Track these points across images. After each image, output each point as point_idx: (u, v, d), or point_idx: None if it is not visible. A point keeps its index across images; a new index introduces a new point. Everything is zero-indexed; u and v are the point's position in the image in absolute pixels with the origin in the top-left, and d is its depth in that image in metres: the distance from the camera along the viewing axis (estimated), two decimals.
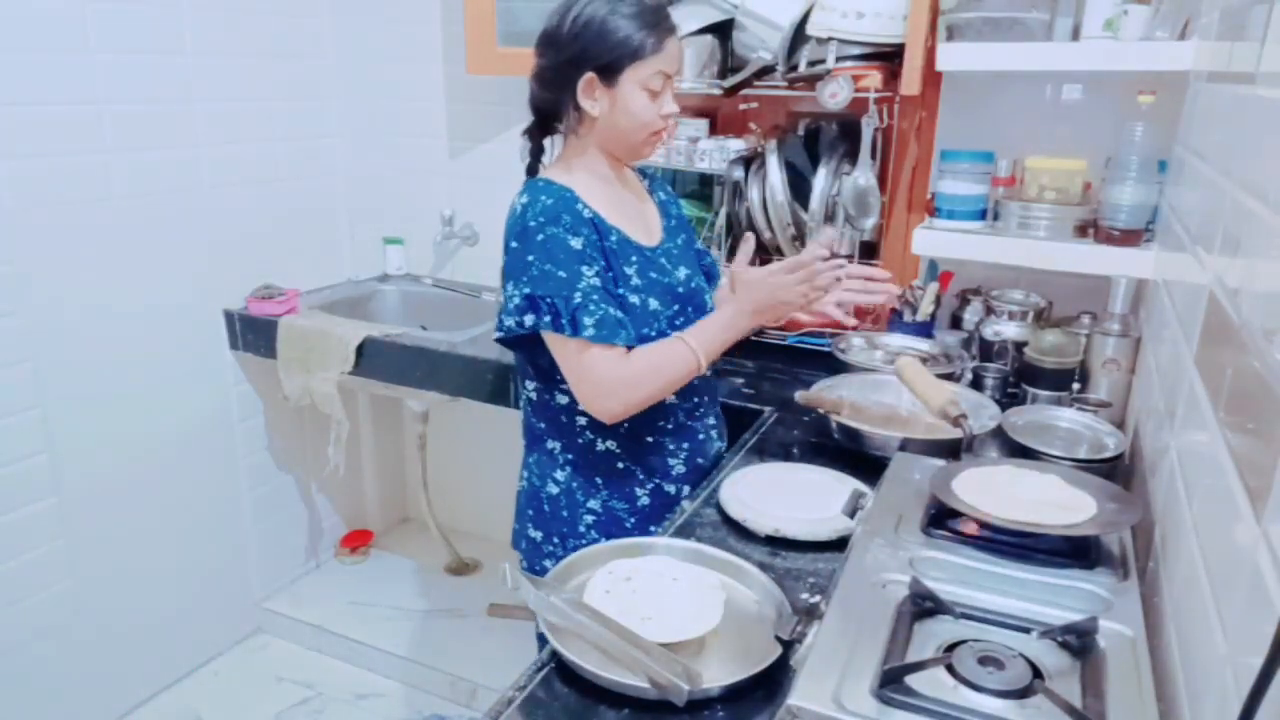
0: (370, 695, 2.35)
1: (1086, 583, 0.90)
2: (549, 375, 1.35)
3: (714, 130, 2.10)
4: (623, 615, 0.93)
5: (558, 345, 1.26)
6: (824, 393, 1.54)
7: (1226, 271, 0.88)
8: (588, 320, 1.21)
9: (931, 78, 1.74)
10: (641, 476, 1.39)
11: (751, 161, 1.97)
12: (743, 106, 2.02)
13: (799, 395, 1.53)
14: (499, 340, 1.31)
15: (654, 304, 1.32)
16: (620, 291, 1.29)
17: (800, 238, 1.95)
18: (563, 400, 1.37)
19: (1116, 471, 1.32)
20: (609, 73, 1.25)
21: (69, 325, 1.97)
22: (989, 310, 1.78)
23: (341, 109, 2.56)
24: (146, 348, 2.15)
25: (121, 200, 2.03)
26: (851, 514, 1.12)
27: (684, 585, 0.99)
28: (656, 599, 0.97)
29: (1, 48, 1.76)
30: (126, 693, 2.24)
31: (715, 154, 1.98)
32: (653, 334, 1.31)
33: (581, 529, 1.40)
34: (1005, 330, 1.73)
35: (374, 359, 2.16)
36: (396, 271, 2.67)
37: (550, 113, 1.35)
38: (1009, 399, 1.65)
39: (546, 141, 1.40)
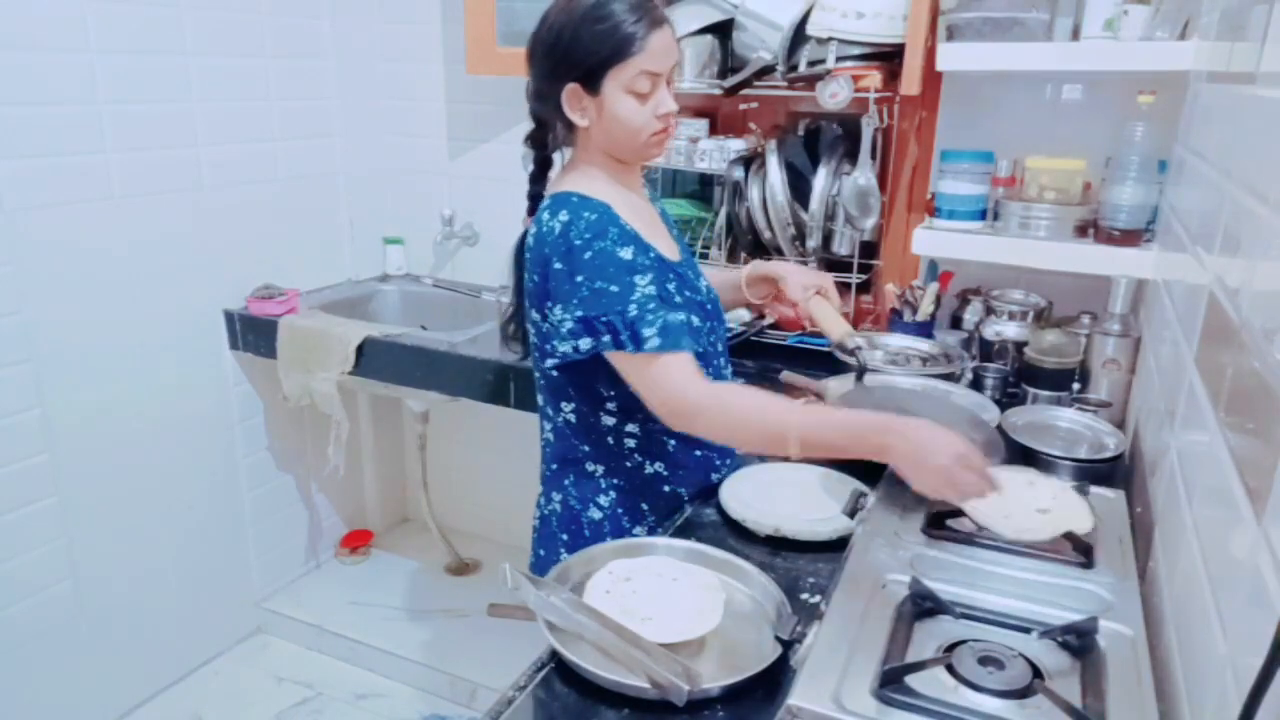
0: (370, 695, 2.35)
1: (1086, 583, 0.90)
2: (598, 397, 1.30)
3: (714, 130, 2.10)
4: (623, 616, 0.93)
5: (623, 362, 1.18)
6: (810, 380, 1.56)
7: (1226, 271, 0.88)
8: (648, 331, 1.14)
9: (931, 78, 1.74)
10: (686, 496, 1.36)
11: (751, 161, 1.97)
12: (743, 106, 2.02)
13: (784, 375, 1.55)
14: (556, 368, 1.25)
15: (695, 320, 1.28)
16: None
17: (800, 238, 1.95)
18: (609, 421, 1.32)
19: (1117, 471, 1.32)
20: (590, 80, 1.19)
21: (69, 325, 1.96)
22: (989, 310, 1.78)
23: (341, 109, 2.56)
24: (146, 348, 2.15)
25: (121, 200, 2.03)
26: (851, 514, 1.12)
27: (684, 585, 1.00)
28: (656, 599, 0.97)
29: (1, 48, 1.76)
30: (126, 693, 2.24)
31: (715, 154, 1.99)
32: (701, 351, 1.29)
33: None
34: (1005, 330, 1.73)
35: (374, 359, 2.16)
36: (396, 271, 2.67)
37: (548, 125, 1.29)
38: (1009, 399, 1.65)
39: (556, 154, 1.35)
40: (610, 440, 1.33)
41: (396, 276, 2.67)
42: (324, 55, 2.49)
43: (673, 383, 1.16)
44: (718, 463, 1.39)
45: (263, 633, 2.58)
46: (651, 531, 1.34)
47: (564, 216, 1.19)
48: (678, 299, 1.26)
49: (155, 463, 2.21)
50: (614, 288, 1.15)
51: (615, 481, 1.35)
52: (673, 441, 1.34)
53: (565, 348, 1.19)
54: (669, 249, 1.33)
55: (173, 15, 2.07)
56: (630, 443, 1.33)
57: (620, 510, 1.35)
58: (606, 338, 1.16)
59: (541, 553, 1.42)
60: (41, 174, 1.86)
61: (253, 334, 2.31)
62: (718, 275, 1.57)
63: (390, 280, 2.67)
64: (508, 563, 0.98)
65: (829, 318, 1.45)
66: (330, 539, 2.82)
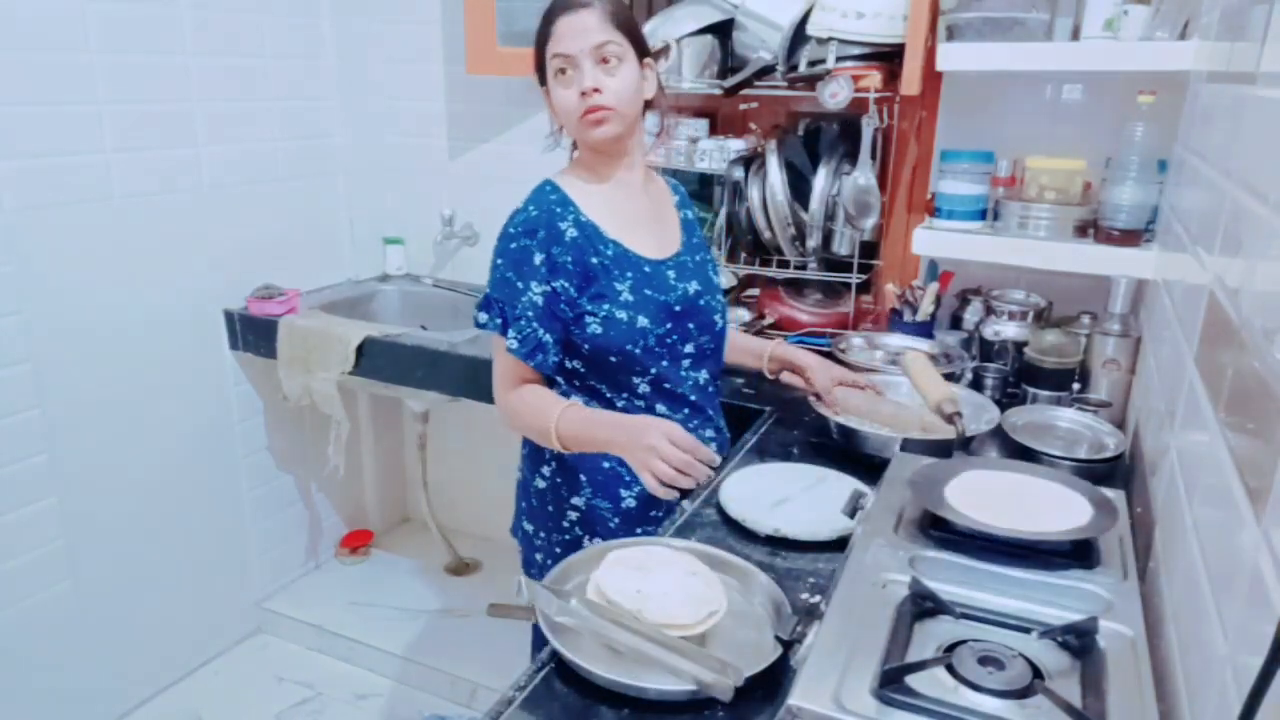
0: (370, 695, 2.35)
1: (1086, 583, 0.90)
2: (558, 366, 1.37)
3: (714, 130, 2.10)
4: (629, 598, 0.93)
5: (495, 344, 1.33)
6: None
7: (1226, 271, 0.88)
8: (514, 333, 1.28)
9: (931, 78, 1.74)
10: (628, 478, 1.37)
11: (751, 161, 1.97)
12: (743, 106, 2.02)
13: (784, 375, 1.55)
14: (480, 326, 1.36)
15: (642, 320, 1.31)
16: (606, 307, 1.29)
17: (800, 238, 1.95)
18: (557, 391, 1.38)
19: (1117, 471, 1.32)
20: (541, 73, 1.30)
21: (69, 325, 1.97)
22: (989, 310, 1.78)
23: (341, 109, 2.56)
24: (146, 348, 2.15)
25: (121, 200, 2.03)
26: (851, 514, 1.12)
27: (676, 573, 0.99)
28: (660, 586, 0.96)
29: (1, 47, 1.76)
30: (126, 693, 2.24)
31: (715, 154, 1.99)
32: (637, 350, 1.31)
33: (565, 524, 1.41)
34: (1005, 330, 1.73)
35: (374, 359, 2.16)
36: (396, 271, 2.67)
37: None
38: (1009, 399, 1.65)
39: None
40: None
41: (396, 276, 2.67)
42: (324, 55, 2.49)
43: (500, 383, 1.34)
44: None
45: (263, 633, 2.58)
46: (590, 503, 1.39)
47: (522, 203, 1.32)
48: (626, 296, 1.30)
49: (155, 463, 2.21)
50: (519, 283, 1.28)
51: (556, 452, 1.37)
52: None
53: (475, 315, 1.34)
54: (653, 246, 1.36)
55: (173, 15, 2.07)
56: None
57: (559, 480, 1.40)
58: (498, 320, 1.30)
59: (514, 518, 1.52)
60: (41, 174, 1.86)
61: (253, 334, 2.31)
62: (741, 338, 1.62)
63: (390, 280, 2.67)
64: (521, 576, 0.98)
65: (928, 377, 1.40)
66: (330, 539, 2.82)
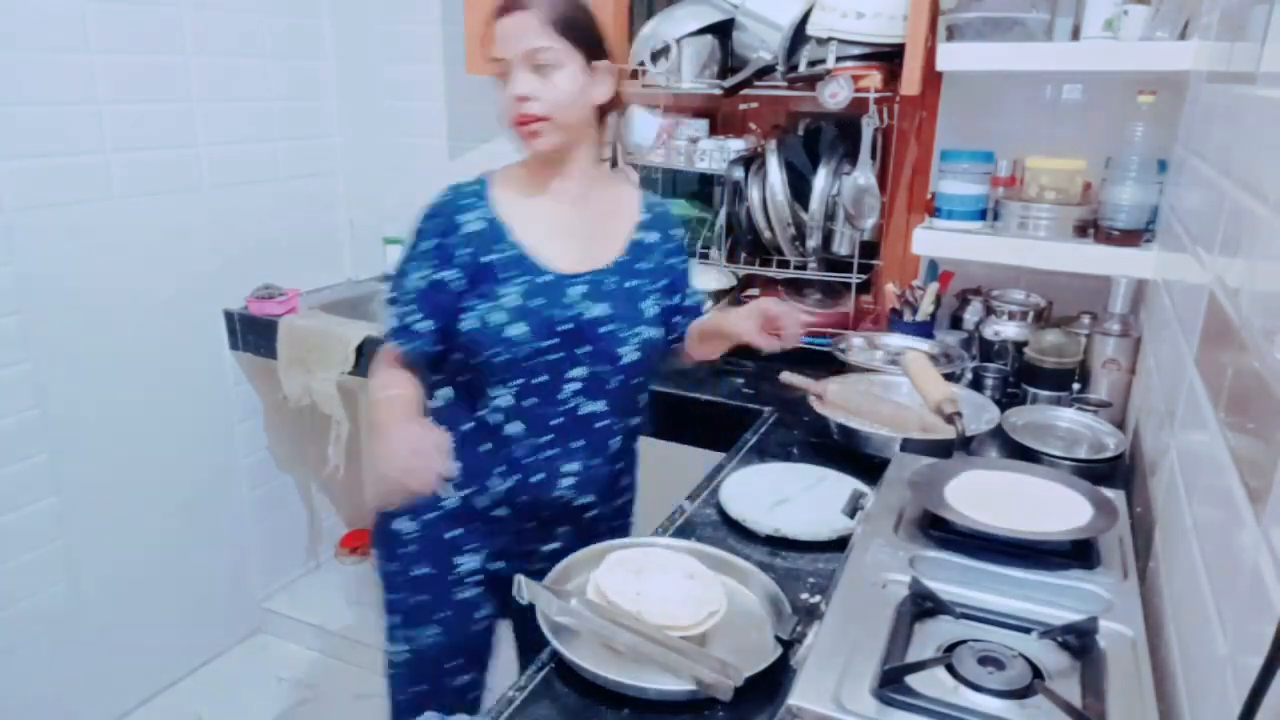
0: (370, 695, 2.35)
1: (1086, 583, 0.90)
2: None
3: (714, 130, 2.10)
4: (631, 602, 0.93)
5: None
6: (810, 381, 1.55)
7: (1226, 271, 0.88)
8: (391, 311, 1.29)
9: (931, 78, 1.74)
10: (461, 479, 1.29)
11: (751, 161, 1.97)
12: (743, 106, 2.02)
13: (783, 376, 1.54)
14: None
15: (519, 330, 1.22)
16: (484, 307, 1.23)
17: (800, 238, 1.95)
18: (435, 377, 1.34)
19: (1117, 471, 1.32)
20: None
21: (69, 325, 1.96)
22: (989, 310, 1.78)
23: (341, 109, 2.56)
24: (147, 347, 2.15)
25: (121, 200, 2.03)
26: (851, 514, 1.12)
27: (680, 575, 0.99)
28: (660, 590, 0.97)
29: (2, 47, 1.76)
30: (126, 693, 2.24)
31: (715, 154, 1.99)
32: (500, 359, 1.23)
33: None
34: (1005, 330, 1.73)
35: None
36: None
37: None
38: (1009, 399, 1.65)
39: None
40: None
41: None
42: (324, 55, 2.49)
43: (375, 359, 1.34)
44: (497, 470, 1.30)
45: (263, 633, 2.58)
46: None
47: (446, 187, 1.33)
48: (512, 301, 1.22)
49: (155, 463, 2.20)
50: (406, 264, 1.29)
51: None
52: (464, 425, 1.30)
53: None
54: (568, 259, 1.27)
55: (173, 15, 2.07)
56: (437, 403, 1.35)
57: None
58: (390, 297, 1.31)
59: None
60: (41, 174, 1.86)
61: (253, 334, 2.31)
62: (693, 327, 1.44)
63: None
64: (521, 576, 0.98)
65: (928, 377, 1.38)
66: (330, 539, 2.82)
